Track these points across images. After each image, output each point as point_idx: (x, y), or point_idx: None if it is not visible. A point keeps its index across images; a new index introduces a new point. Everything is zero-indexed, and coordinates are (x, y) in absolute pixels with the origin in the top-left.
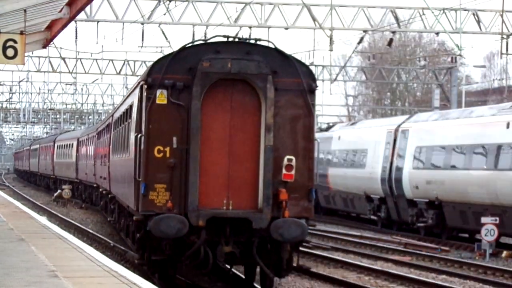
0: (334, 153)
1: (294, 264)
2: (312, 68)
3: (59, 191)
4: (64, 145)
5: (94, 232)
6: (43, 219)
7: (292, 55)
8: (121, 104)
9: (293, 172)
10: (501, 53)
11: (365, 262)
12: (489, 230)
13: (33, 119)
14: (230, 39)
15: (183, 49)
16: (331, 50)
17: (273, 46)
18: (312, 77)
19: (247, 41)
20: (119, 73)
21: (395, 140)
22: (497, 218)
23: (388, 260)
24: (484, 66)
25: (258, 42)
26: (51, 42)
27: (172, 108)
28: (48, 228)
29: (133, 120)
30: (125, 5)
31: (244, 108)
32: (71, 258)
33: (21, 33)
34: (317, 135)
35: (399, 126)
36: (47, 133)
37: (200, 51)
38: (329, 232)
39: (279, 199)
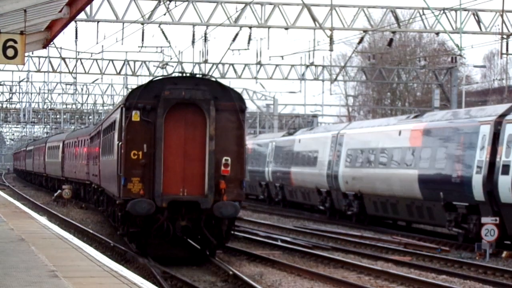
0: (295, 154)
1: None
2: (312, 68)
3: (59, 191)
4: (53, 146)
5: (94, 232)
6: (43, 219)
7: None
8: (107, 118)
9: (229, 168)
10: (501, 53)
11: (365, 262)
12: (489, 230)
13: (33, 119)
14: (185, 75)
15: (151, 82)
16: (331, 50)
17: (214, 80)
18: (242, 101)
19: (196, 75)
20: (119, 73)
21: (336, 143)
22: (497, 218)
23: (388, 260)
24: (484, 66)
25: (204, 77)
26: (51, 42)
27: (143, 124)
28: (48, 228)
29: (116, 131)
30: (125, 5)
31: (194, 123)
32: (71, 258)
33: (21, 33)
34: (284, 138)
35: (339, 132)
36: (47, 133)
37: (162, 83)
38: (329, 232)
39: (219, 188)
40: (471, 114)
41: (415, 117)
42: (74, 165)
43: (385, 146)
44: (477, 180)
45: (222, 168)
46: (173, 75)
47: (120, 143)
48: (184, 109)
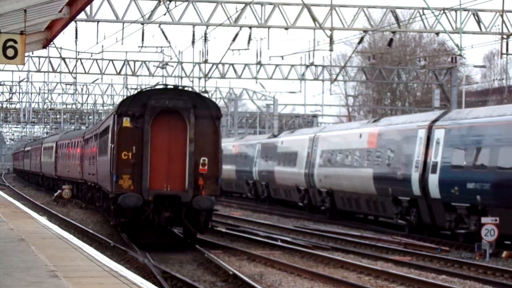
0: (278, 154)
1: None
2: (312, 68)
3: (59, 191)
4: (48, 147)
5: (94, 232)
6: (43, 219)
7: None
8: (102, 123)
9: (206, 167)
10: (501, 53)
11: (365, 262)
12: (489, 230)
13: (33, 119)
14: (169, 87)
15: (139, 93)
16: (331, 50)
17: (194, 91)
18: (218, 109)
19: (179, 87)
20: (119, 73)
21: (313, 145)
22: (497, 218)
23: (388, 260)
24: (484, 66)
25: (185, 88)
26: (51, 42)
27: (133, 129)
28: (48, 228)
29: (109, 135)
30: (125, 5)
31: (176, 128)
32: (71, 258)
33: (21, 33)
34: (269, 140)
35: (315, 134)
36: (47, 133)
37: (149, 94)
38: (329, 232)
39: (198, 184)
40: (413, 119)
41: (374, 121)
42: (67, 164)
43: (349, 147)
44: (415, 178)
45: (200, 167)
46: (157, 86)
47: (112, 145)
48: (167, 116)
